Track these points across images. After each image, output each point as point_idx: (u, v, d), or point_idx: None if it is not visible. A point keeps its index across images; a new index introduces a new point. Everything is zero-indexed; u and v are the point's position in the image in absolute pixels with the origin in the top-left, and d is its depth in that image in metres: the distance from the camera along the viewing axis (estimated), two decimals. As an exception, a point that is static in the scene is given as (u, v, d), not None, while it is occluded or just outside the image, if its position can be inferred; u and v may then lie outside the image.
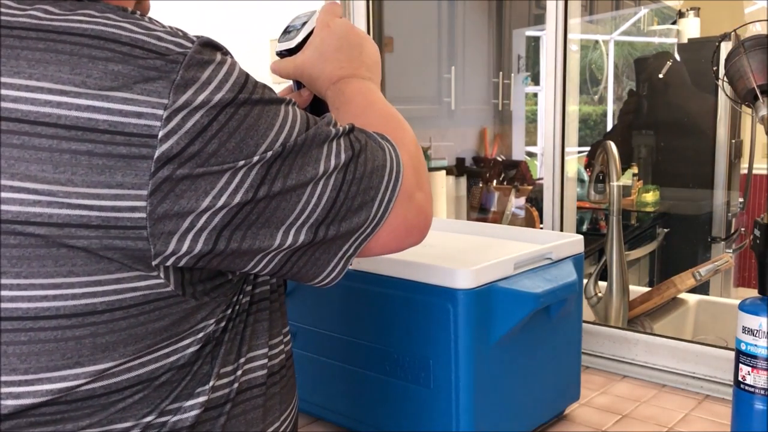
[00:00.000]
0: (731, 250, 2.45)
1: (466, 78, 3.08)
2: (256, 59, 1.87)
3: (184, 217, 0.49)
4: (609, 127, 3.71)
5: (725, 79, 1.11)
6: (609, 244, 1.36)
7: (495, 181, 2.97)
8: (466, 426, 0.84)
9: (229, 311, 0.60)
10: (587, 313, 1.32)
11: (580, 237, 1.02)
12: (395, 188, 0.59)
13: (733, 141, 2.52)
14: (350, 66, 0.71)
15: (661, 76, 2.63)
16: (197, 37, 0.52)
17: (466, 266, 0.83)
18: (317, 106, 0.81)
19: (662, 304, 1.47)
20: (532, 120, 3.53)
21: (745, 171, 2.52)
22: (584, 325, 1.17)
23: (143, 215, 0.48)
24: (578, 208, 2.19)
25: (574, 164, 1.51)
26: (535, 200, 2.79)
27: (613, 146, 1.36)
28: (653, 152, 2.68)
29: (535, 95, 3.57)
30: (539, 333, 0.93)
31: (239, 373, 0.61)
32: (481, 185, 2.96)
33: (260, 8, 1.86)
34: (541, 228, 1.48)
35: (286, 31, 0.81)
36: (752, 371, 0.86)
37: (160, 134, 0.47)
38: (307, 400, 1.04)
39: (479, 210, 2.94)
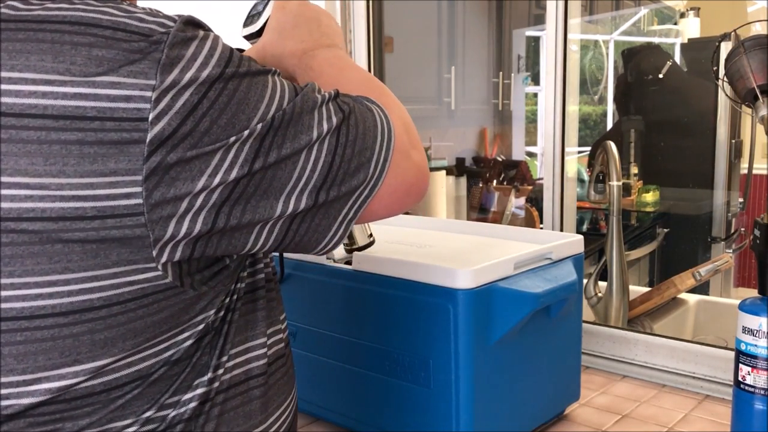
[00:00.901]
0: (731, 250, 2.45)
1: (466, 78, 3.08)
2: (256, 59, 1.87)
3: (181, 200, 0.48)
4: (609, 127, 3.71)
5: (725, 79, 1.11)
6: (609, 244, 1.36)
7: (495, 181, 2.97)
8: (466, 426, 0.84)
9: (228, 300, 0.60)
10: (587, 313, 1.32)
11: (580, 237, 1.02)
12: (389, 147, 0.59)
13: (733, 141, 2.52)
14: (311, 39, 0.70)
15: (661, 76, 2.63)
16: (179, 15, 0.51)
17: (466, 266, 0.83)
18: None
19: (662, 304, 1.47)
20: (532, 120, 3.53)
21: (745, 171, 2.52)
22: (584, 325, 1.17)
23: (140, 201, 0.47)
24: (578, 208, 2.19)
25: (574, 164, 1.51)
26: (535, 200, 2.79)
27: (613, 146, 1.36)
28: (642, 137, 2.67)
29: (535, 95, 3.57)
30: (539, 333, 0.93)
31: (239, 360, 0.61)
32: (481, 185, 2.96)
33: (260, 8, 1.85)
34: (541, 228, 1.48)
35: (250, 16, 0.81)
36: (752, 371, 0.86)
37: (151, 116, 0.46)
38: (307, 400, 1.04)
39: (479, 210, 2.94)
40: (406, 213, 2.56)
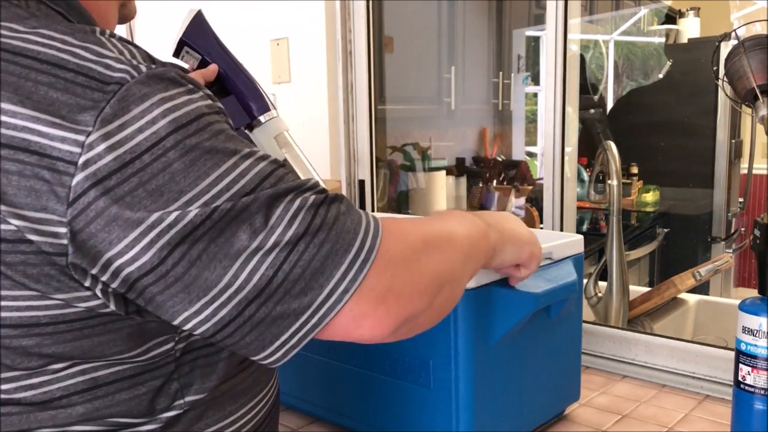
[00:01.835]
0: (731, 250, 2.46)
1: (466, 78, 3.08)
2: (257, 59, 1.87)
3: (97, 258, 0.47)
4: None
5: (725, 79, 1.11)
6: (609, 244, 1.36)
7: (495, 181, 2.97)
8: (466, 426, 0.84)
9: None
10: (587, 313, 1.32)
11: (580, 237, 1.02)
12: (355, 279, 0.51)
13: (733, 141, 2.52)
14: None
15: (661, 76, 2.64)
16: (152, 67, 0.50)
17: (466, 266, 0.83)
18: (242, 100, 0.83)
19: (662, 304, 1.47)
20: (532, 120, 3.52)
21: (745, 171, 2.52)
22: (584, 325, 1.17)
23: (65, 242, 0.47)
24: (578, 208, 2.19)
25: (574, 164, 1.51)
26: (535, 200, 2.79)
27: (613, 146, 1.36)
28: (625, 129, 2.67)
29: (535, 95, 3.56)
30: (539, 333, 0.93)
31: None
32: (481, 185, 2.96)
33: (260, 8, 1.86)
34: (541, 228, 1.48)
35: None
36: (752, 371, 0.86)
37: (80, 161, 0.46)
38: (307, 400, 1.04)
39: (479, 210, 2.94)
40: (406, 213, 2.55)
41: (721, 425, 1.01)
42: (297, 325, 0.51)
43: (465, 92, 3.07)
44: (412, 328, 0.58)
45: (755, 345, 0.85)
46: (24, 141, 0.46)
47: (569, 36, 1.32)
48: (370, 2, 1.66)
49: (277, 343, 0.52)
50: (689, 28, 2.93)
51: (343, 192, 1.72)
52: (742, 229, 2.52)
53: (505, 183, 2.99)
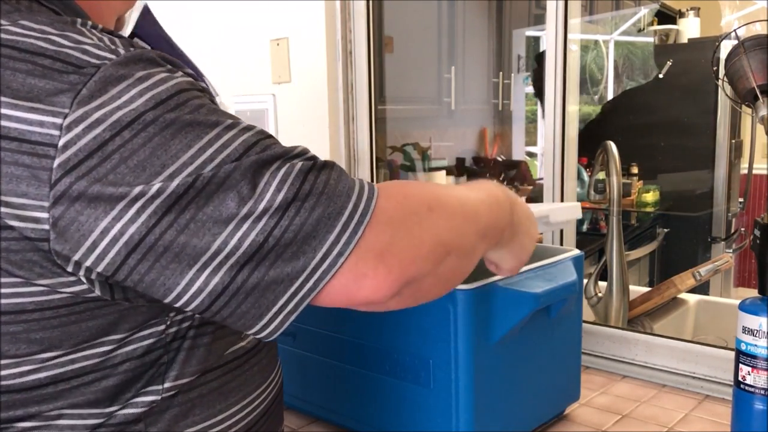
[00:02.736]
0: (731, 250, 2.45)
1: (466, 78, 3.08)
2: (257, 59, 1.87)
3: (85, 237, 0.47)
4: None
5: (725, 79, 1.11)
6: (609, 244, 1.36)
7: (495, 181, 2.97)
8: (466, 426, 0.84)
9: (180, 318, 0.58)
10: (587, 313, 1.32)
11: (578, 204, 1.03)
12: (350, 241, 0.50)
13: (733, 141, 2.52)
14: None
15: (660, 76, 2.63)
16: (131, 50, 0.50)
17: (466, 266, 0.83)
18: None
19: (662, 304, 1.47)
20: (532, 120, 3.53)
21: (745, 171, 2.52)
22: (584, 325, 1.17)
23: (46, 227, 0.47)
24: (578, 208, 2.19)
25: (574, 164, 1.51)
26: (535, 200, 2.79)
27: (613, 146, 1.36)
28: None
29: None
30: (539, 333, 0.93)
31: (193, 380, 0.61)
32: (481, 185, 2.96)
33: (260, 8, 1.86)
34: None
35: None
36: (752, 371, 0.86)
37: (60, 143, 0.46)
38: (307, 400, 1.04)
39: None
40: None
41: (721, 425, 1.01)
42: (292, 289, 0.50)
43: (465, 92, 3.07)
44: (417, 293, 0.56)
45: (755, 345, 0.85)
46: (4, 128, 0.46)
47: (569, 36, 1.32)
48: (370, 2, 1.66)
49: (274, 310, 0.51)
50: (689, 28, 2.93)
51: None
52: (742, 229, 2.52)
53: (505, 183, 2.99)
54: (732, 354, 0.89)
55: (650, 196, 2.76)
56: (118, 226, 0.47)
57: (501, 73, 3.27)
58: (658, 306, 1.47)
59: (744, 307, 0.87)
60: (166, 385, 0.59)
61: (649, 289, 1.52)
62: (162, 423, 0.59)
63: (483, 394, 0.85)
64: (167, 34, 0.95)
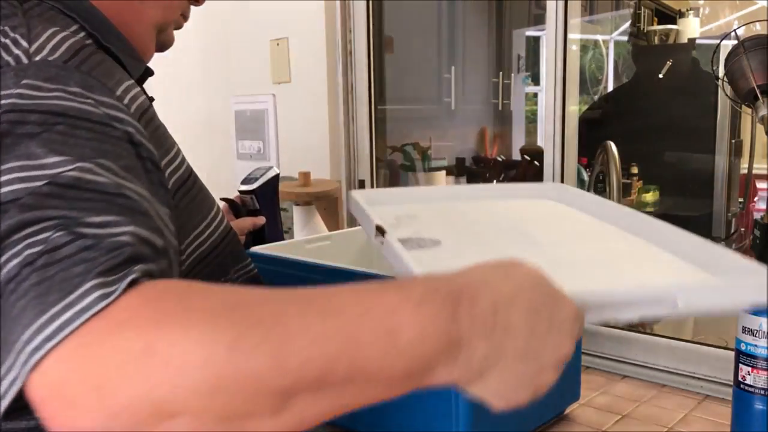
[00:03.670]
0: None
1: (466, 78, 3.08)
2: (257, 59, 1.87)
3: None
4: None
5: (725, 79, 1.11)
6: (609, 244, 1.36)
7: (495, 181, 2.97)
8: (466, 426, 0.84)
9: None
10: (587, 313, 1.31)
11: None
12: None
13: (733, 141, 2.52)
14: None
15: (660, 76, 2.63)
16: (50, 59, 0.51)
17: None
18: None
19: (662, 304, 1.47)
20: (532, 120, 3.53)
21: (745, 171, 2.52)
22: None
23: None
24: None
25: (574, 164, 1.51)
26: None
27: (613, 146, 1.36)
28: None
29: (535, 95, 3.57)
30: (539, 333, 0.93)
31: None
32: (481, 185, 2.96)
33: (260, 8, 1.86)
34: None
35: (249, 177, 1.01)
36: (752, 371, 0.86)
37: None
38: (307, 400, 1.03)
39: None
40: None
41: (721, 425, 1.01)
42: None
43: (465, 92, 3.08)
44: None
45: (755, 345, 0.85)
46: None
47: (569, 36, 1.32)
48: (370, 2, 1.66)
49: None
50: (689, 28, 2.93)
51: (343, 192, 1.72)
52: (742, 229, 2.52)
53: (505, 183, 2.99)
54: (732, 354, 0.89)
55: (650, 196, 2.76)
56: None
57: (501, 73, 3.27)
58: (658, 306, 1.46)
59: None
60: None
61: (649, 289, 1.51)
62: None
63: (483, 394, 0.85)
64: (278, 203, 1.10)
